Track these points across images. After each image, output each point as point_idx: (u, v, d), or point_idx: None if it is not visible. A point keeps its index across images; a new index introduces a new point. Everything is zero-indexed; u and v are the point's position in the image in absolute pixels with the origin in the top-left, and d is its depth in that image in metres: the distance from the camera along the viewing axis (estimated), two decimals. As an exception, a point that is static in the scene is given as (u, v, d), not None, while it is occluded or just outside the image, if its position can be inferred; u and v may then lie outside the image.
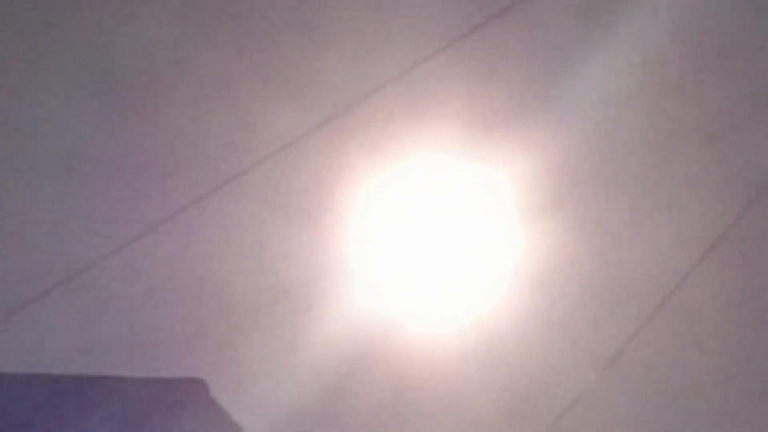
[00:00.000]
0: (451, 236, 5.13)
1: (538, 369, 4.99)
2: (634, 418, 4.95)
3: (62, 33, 5.02)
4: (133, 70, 5.08)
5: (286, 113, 5.11)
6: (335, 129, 5.09)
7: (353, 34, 5.06)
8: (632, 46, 4.94)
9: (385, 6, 5.04)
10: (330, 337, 5.11)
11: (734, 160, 5.00)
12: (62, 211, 5.08)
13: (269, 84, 5.11)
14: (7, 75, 4.95)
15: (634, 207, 5.06)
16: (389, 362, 5.08)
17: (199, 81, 5.11)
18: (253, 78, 5.11)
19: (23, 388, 4.97)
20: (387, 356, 5.08)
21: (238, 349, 5.12)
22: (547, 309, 5.04)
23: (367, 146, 5.10)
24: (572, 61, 5.00)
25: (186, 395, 5.14)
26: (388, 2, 4.98)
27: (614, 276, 5.06)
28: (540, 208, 5.09)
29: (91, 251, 5.10)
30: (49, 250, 5.08)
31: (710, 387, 4.98)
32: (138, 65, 5.09)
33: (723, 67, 4.99)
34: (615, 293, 5.05)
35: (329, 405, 5.10)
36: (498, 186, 5.10)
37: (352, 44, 5.06)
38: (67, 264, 5.07)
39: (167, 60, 5.09)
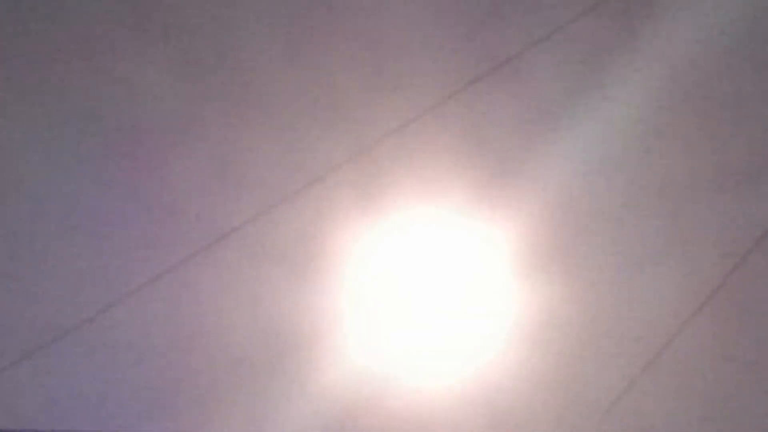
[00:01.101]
0: (447, 292, 5.13)
1: (534, 424, 4.96)
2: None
3: (54, 85, 5.05)
4: (123, 124, 5.11)
5: (280, 167, 5.13)
6: (329, 185, 5.11)
7: (349, 87, 5.12)
8: (629, 101, 5.02)
9: (381, 60, 5.11)
10: (320, 397, 5.07)
11: (730, 212, 5.06)
12: (53, 267, 5.06)
13: (263, 138, 5.16)
14: None
15: (628, 261, 5.10)
16: (384, 419, 5.04)
17: (190, 137, 5.14)
18: (246, 132, 5.15)
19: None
20: (382, 413, 5.04)
21: (223, 412, 5.06)
22: (543, 363, 5.04)
23: (363, 200, 5.13)
24: (570, 116, 5.07)
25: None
26: (384, 55, 5.06)
27: (609, 329, 5.07)
28: (536, 264, 5.12)
29: (83, 307, 5.06)
30: (40, 306, 5.04)
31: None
32: (128, 120, 5.11)
33: (720, 121, 5.08)
34: (610, 347, 5.05)
35: (323, 463, 5.04)
36: (494, 241, 5.13)
37: (348, 97, 5.12)
38: (57, 320, 5.02)
39: (157, 115, 5.12)
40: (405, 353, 5.08)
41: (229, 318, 5.09)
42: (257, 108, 5.12)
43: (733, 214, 5.05)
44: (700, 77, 5.05)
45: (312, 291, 5.10)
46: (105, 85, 5.09)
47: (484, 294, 5.07)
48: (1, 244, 5.07)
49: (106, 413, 5.02)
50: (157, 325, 5.12)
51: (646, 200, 5.12)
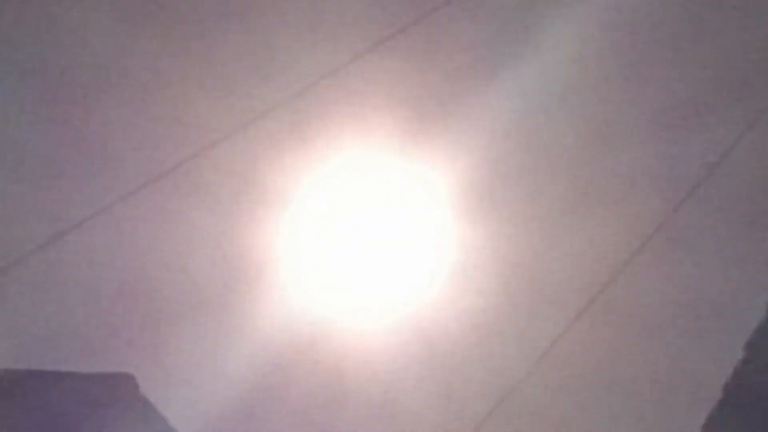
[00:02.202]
0: (384, 231, 5.12)
1: (470, 363, 4.96)
2: (563, 415, 4.92)
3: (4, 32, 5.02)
4: (65, 66, 5.07)
5: (218, 108, 5.11)
6: (268, 123, 5.09)
7: (288, 29, 5.08)
8: (568, 40, 4.98)
9: (315, 6, 5.07)
10: (261, 334, 5.07)
11: (669, 154, 5.04)
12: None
13: (201, 79, 5.12)
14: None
15: (567, 202, 5.08)
16: (321, 358, 5.04)
17: (130, 76, 5.11)
18: (185, 73, 5.12)
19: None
20: (319, 352, 5.04)
21: (168, 345, 5.07)
22: (479, 304, 5.03)
23: (300, 141, 5.10)
24: (507, 56, 5.03)
25: (115, 391, 5.07)
26: (317, 3, 5.02)
27: (547, 271, 5.06)
28: (473, 204, 5.10)
29: (18, 246, 5.05)
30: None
31: (640, 386, 4.97)
32: (69, 62, 5.08)
33: (657, 62, 5.04)
34: (548, 288, 5.04)
35: (260, 402, 5.04)
36: (431, 181, 5.11)
37: (287, 39, 5.08)
38: (1, 254, 5.02)
39: (98, 56, 5.09)
40: (344, 293, 5.07)
41: (169, 255, 5.08)
42: (199, 53, 5.09)
43: (674, 153, 5.02)
44: (639, 18, 4.99)
45: (251, 230, 5.09)
46: (45, 29, 5.06)
47: (422, 235, 5.06)
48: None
49: (51, 348, 5.03)
50: (99, 261, 5.11)
51: (586, 140, 5.09)
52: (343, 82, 4.91)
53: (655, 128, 4.90)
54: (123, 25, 4.87)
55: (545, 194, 4.94)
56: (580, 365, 5.00)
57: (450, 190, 4.90)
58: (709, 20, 4.98)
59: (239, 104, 4.95)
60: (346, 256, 5.10)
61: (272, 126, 4.94)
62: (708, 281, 5.05)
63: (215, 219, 5.07)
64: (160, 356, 5.09)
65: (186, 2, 4.91)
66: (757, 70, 5.00)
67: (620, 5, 4.90)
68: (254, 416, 5.05)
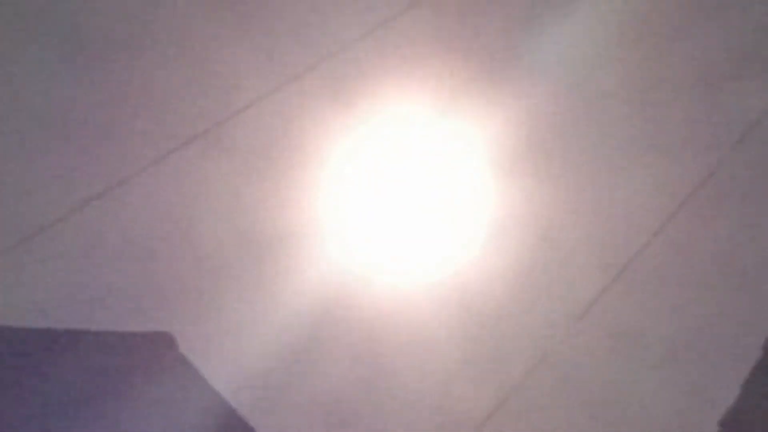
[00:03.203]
0: (423, 191, 5.10)
1: (508, 322, 4.95)
2: (601, 375, 4.91)
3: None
4: (104, 29, 5.06)
5: (257, 69, 5.09)
6: (307, 84, 5.06)
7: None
8: (610, 4, 4.91)
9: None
10: (301, 291, 5.08)
11: (710, 113, 4.97)
12: (34, 166, 5.06)
13: (240, 41, 5.10)
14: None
15: (608, 159, 5.04)
16: (360, 315, 5.05)
17: (169, 38, 5.09)
18: (223, 35, 5.09)
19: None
20: (358, 309, 5.05)
21: (209, 304, 5.09)
22: (519, 263, 5.01)
23: (339, 102, 5.08)
24: (548, 15, 4.97)
25: (153, 349, 5.11)
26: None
27: (588, 229, 5.03)
28: (512, 162, 5.06)
29: (63, 205, 5.08)
30: (20, 203, 5.05)
31: (680, 345, 4.93)
32: (108, 24, 5.07)
33: (701, 20, 4.96)
34: (587, 247, 5.01)
35: (298, 361, 5.06)
36: (471, 140, 5.07)
37: (323, 2, 5.04)
38: (36, 218, 5.04)
39: (137, 19, 5.07)
40: (382, 253, 5.07)
41: (207, 216, 5.09)
42: (236, 11, 5.06)
43: (714, 111, 4.95)
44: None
45: (289, 191, 5.08)
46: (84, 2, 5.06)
47: (461, 194, 5.03)
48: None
49: (84, 311, 5.06)
50: (139, 221, 5.13)
51: (628, 98, 5.02)
52: (382, 40, 4.87)
53: (698, 86, 4.84)
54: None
55: (587, 152, 4.89)
56: (618, 326, 4.98)
57: (490, 148, 4.87)
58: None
59: (277, 63, 4.93)
60: (384, 216, 5.09)
61: (310, 85, 4.91)
62: (748, 238, 5.00)
63: (256, 176, 5.07)
64: (200, 315, 5.11)
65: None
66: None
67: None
68: (293, 375, 5.07)
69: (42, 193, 5.07)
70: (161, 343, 5.14)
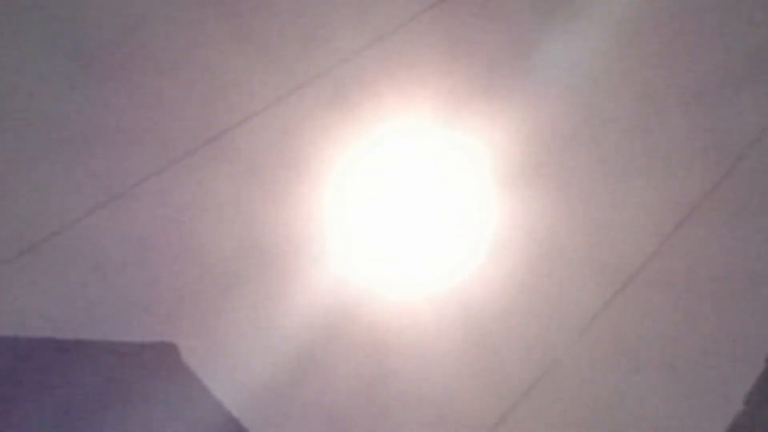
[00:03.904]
0: (427, 202, 5.10)
1: (512, 335, 4.94)
2: (606, 389, 4.90)
3: (38, 2, 5.01)
4: (109, 36, 5.07)
5: (261, 78, 5.10)
6: (311, 93, 5.06)
7: (330, 0, 5.05)
8: (607, 16, 4.92)
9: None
10: (305, 304, 5.07)
11: (712, 128, 4.97)
12: (39, 174, 5.06)
13: (244, 49, 5.11)
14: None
15: (610, 174, 5.04)
16: (365, 328, 5.04)
17: (174, 46, 5.10)
18: (227, 42, 5.10)
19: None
20: (363, 322, 5.04)
21: (212, 315, 5.08)
22: (522, 275, 5.00)
23: (344, 111, 5.08)
24: (550, 29, 4.98)
25: (156, 359, 5.10)
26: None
27: (589, 243, 5.02)
28: (517, 175, 5.06)
29: (68, 213, 5.08)
30: (24, 213, 5.06)
31: (685, 357, 4.93)
32: (113, 32, 5.07)
33: (700, 36, 4.97)
34: (590, 261, 5.00)
35: (302, 373, 5.05)
36: (475, 152, 5.07)
37: (328, 9, 5.05)
38: (42, 226, 5.04)
39: (143, 27, 5.08)
40: (385, 265, 5.06)
41: (210, 227, 5.09)
42: (240, 20, 5.07)
43: (719, 124, 4.95)
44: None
45: (292, 200, 5.08)
46: (87, 6, 5.06)
47: (464, 207, 5.03)
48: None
49: (87, 320, 5.06)
50: (142, 231, 5.13)
51: (631, 111, 5.03)
52: (386, 50, 4.88)
53: (701, 100, 4.84)
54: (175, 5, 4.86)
55: (590, 165, 4.90)
56: (623, 339, 4.97)
57: (493, 161, 4.87)
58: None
59: (280, 73, 4.93)
60: (387, 228, 5.09)
61: (314, 96, 4.92)
62: (755, 250, 5.00)
63: (258, 188, 5.07)
64: (203, 327, 5.11)
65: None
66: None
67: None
68: (296, 386, 5.06)
69: (46, 202, 5.07)
70: (164, 353, 5.13)
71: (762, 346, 4.87)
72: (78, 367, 5.03)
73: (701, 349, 4.97)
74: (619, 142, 4.87)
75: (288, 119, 4.96)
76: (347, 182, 5.00)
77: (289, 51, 4.90)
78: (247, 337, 5.09)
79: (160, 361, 5.12)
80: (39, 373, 4.95)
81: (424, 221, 5.00)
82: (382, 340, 5.06)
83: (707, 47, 4.79)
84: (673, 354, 5.00)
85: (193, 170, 5.02)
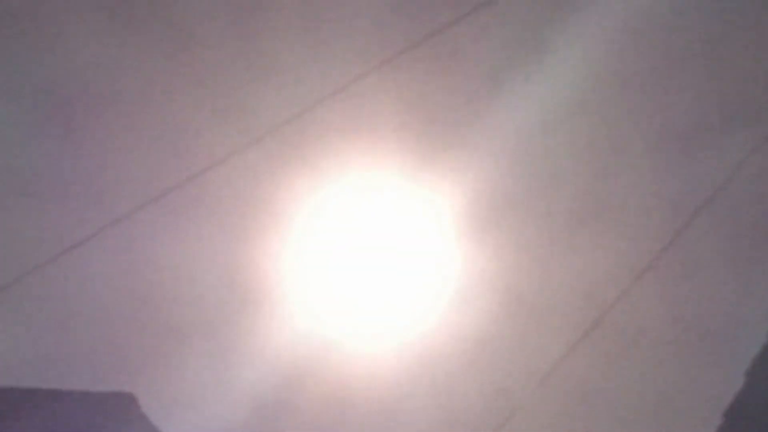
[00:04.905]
0: (388, 254, 5.10)
1: (473, 386, 4.95)
2: (569, 435, 4.92)
3: (3, 53, 4.98)
4: (71, 87, 5.05)
5: (219, 130, 5.09)
6: (272, 143, 5.07)
7: (291, 47, 5.06)
8: (574, 64, 4.96)
9: (320, 25, 5.04)
10: (265, 355, 5.05)
11: (669, 181, 5.02)
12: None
13: (203, 101, 5.10)
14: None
15: (571, 225, 5.07)
16: (327, 380, 5.03)
17: (133, 98, 5.08)
18: (187, 95, 5.09)
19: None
20: (324, 375, 5.03)
21: (172, 365, 5.05)
22: (482, 327, 5.02)
23: (304, 161, 5.08)
24: (513, 79, 5.01)
25: (115, 409, 5.06)
26: (322, 21, 4.99)
27: (550, 294, 5.05)
28: (477, 229, 5.08)
29: (22, 264, 5.03)
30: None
31: (641, 410, 4.95)
32: (75, 83, 5.05)
33: (662, 85, 5.03)
34: (550, 311, 5.03)
35: (263, 423, 5.03)
36: (435, 204, 5.09)
37: (290, 57, 5.06)
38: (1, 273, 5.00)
39: (103, 78, 5.06)
40: (348, 315, 5.06)
41: (172, 275, 5.06)
42: (202, 72, 5.07)
43: (678, 176, 5.00)
44: (646, 42, 4.98)
45: (255, 250, 5.07)
46: (48, 52, 5.04)
47: (425, 258, 5.04)
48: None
49: (44, 371, 5.01)
50: (103, 280, 5.09)
51: (590, 164, 5.07)
52: (347, 102, 4.89)
53: (660, 151, 4.89)
54: (126, 49, 4.85)
55: (549, 217, 4.92)
56: (580, 388, 4.99)
57: (454, 213, 4.89)
58: (715, 45, 4.97)
59: (243, 123, 4.93)
60: (349, 278, 5.09)
61: (276, 146, 4.92)
62: (711, 304, 5.04)
63: (218, 239, 5.05)
64: (163, 376, 5.07)
65: (189, 23, 4.88)
66: (764, 95, 4.99)
67: (626, 29, 4.89)
68: (257, 436, 5.04)
69: (8, 247, 5.03)
70: (123, 403, 5.09)
71: (718, 400, 4.90)
72: (34, 416, 4.98)
73: (659, 401, 5.00)
74: (582, 193, 4.91)
75: (251, 169, 4.96)
76: (310, 232, 4.99)
77: (249, 102, 4.91)
78: (207, 387, 5.06)
79: (119, 410, 5.08)
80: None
81: (386, 272, 5.00)
82: (345, 389, 5.05)
83: (673, 97, 4.84)
84: (630, 404, 5.02)
85: (154, 220, 5.00)
